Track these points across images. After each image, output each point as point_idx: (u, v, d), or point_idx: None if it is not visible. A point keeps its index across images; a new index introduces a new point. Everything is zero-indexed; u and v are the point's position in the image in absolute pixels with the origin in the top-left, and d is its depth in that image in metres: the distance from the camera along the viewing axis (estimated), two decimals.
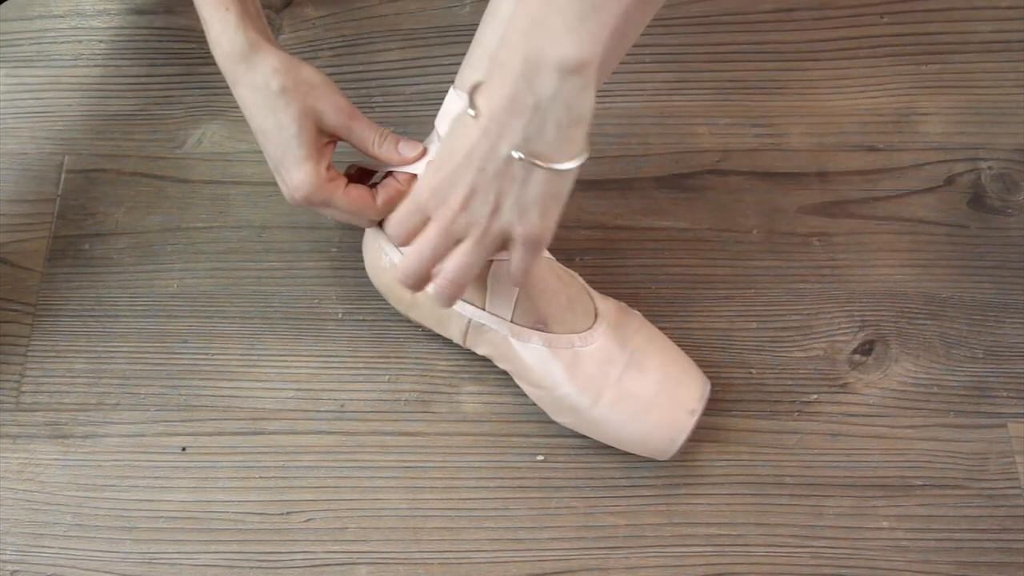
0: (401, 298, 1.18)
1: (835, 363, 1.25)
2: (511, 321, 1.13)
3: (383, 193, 1.09)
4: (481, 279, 1.11)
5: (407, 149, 1.08)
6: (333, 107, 1.05)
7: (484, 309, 1.13)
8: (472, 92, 0.89)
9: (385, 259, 1.16)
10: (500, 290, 1.11)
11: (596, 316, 1.14)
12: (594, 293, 1.17)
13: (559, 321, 1.12)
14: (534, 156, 0.87)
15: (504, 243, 0.95)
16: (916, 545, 1.17)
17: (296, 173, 1.04)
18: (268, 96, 1.02)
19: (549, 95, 0.83)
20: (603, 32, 0.82)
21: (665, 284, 1.30)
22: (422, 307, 1.17)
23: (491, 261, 1.10)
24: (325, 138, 1.07)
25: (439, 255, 0.98)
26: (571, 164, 0.89)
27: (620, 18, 0.82)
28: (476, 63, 1.04)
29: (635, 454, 1.17)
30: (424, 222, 0.97)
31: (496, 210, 0.92)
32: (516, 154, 0.87)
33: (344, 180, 1.08)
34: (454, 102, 1.04)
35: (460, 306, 1.14)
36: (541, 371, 1.13)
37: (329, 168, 1.07)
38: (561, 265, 1.17)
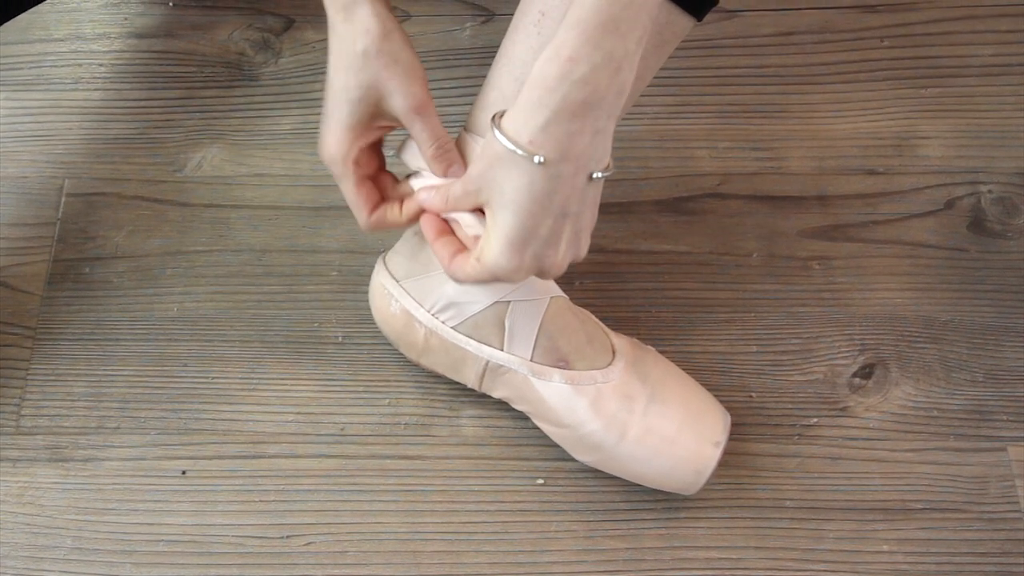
0: (413, 345, 1.18)
1: (835, 387, 1.25)
2: (531, 360, 1.12)
3: (406, 208, 1.05)
4: (498, 320, 1.11)
5: (457, 172, 1.03)
6: (405, 92, 0.99)
7: (502, 350, 1.13)
8: (524, 141, 0.87)
9: (395, 306, 1.16)
10: (520, 330, 1.11)
11: (614, 352, 1.14)
12: (607, 329, 1.16)
13: (580, 358, 1.12)
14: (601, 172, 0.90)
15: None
16: (916, 569, 1.17)
17: (330, 136, 1.01)
18: (349, 53, 0.98)
19: (611, 118, 0.86)
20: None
21: (665, 307, 1.30)
22: (434, 353, 1.17)
23: (509, 302, 1.10)
24: (383, 120, 1.02)
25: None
26: (608, 172, 0.92)
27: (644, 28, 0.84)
28: (491, 105, 1.04)
29: (659, 489, 1.16)
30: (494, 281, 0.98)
31: (575, 238, 0.95)
32: (597, 175, 0.89)
33: (365, 171, 1.05)
34: (481, 145, 0.96)
35: (477, 348, 1.13)
36: (564, 409, 1.12)
37: (371, 148, 1.04)
38: (574, 304, 1.17)
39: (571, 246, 0.94)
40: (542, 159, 0.86)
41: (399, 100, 0.99)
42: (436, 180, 1.03)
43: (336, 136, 1.01)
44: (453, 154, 1.02)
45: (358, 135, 1.01)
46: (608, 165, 0.91)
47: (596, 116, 0.85)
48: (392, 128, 1.04)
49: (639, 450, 1.11)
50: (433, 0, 1.49)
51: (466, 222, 1.00)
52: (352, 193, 1.04)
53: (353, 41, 0.97)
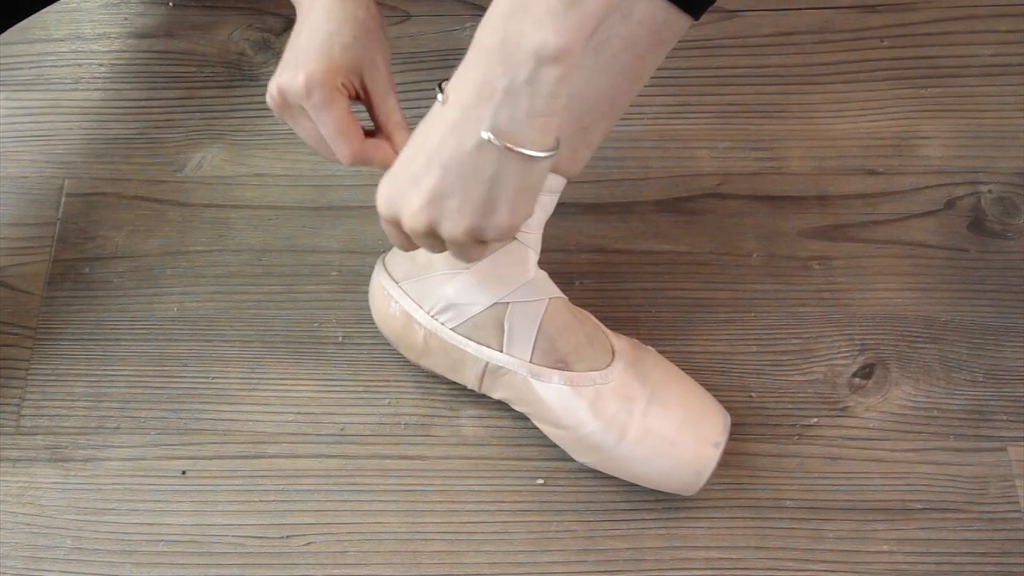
0: (412, 346, 1.18)
1: (835, 387, 1.25)
2: (530, 362, 1.13)
3: (381, 148, 1.03)
4: (498, 322, 1.12)
5: None
6: (387, 69, 1.03)
7: (501, 351, 1.13)
8: (442, 82, 0.86)
9: (394, 307, 1.16)
10: (519, 332, 1.11)
11: (613, 353, 1.14)
12: (607, 330, 1.17)
13: (579, 359, 1.12)
14: (505, 141, 0.83)
15: (477, 239, 0.90)
16: (916, 569, 1.17)
17: (314, 64, 0.97)
18: (348, 14, 0.99)
19: (523, 79, 0.80)
20: (587, 22, 0.78)
21: (665, 308, 1.30)
22: (434, 355, 1.17)
23: (508, 303, 1.10)
24: (352, 78, 1.01)
25: (412, 248, 0.96)
26: (542, 153, 0.84)
27: (605, 9, 0.78)
28: None
29: (659, 490, 1.16)
30: (398, 226, 0.93)
31: (467, 209, 0.87)
32: (486, 135, 0.82)
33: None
34: None
35: (476, 350, 1.13)
36: (564, 411, 1.12)
37: None
38: (574, 305, 1.17)
39: (430, 204, 0.87)
40: (442, 98, 0.85)
41: (383, 75, 1.01)
42: None
43: (321, 65, 0.98)
44: (407, 131, 1.02)
45: (339, 73, 0.99)
46: (526, 145, 0.83)
47: (497, 69, 0.80)
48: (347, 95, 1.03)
49: (639, 451, 1.11)
50: (433, 0, 1.49)
51: None
52: (342, 118, 0.99)
53: (354, 8, 0.99)
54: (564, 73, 0.80)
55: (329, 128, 0.99)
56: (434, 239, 0.91)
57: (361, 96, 1.03)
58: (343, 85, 0.99)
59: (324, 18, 0.99)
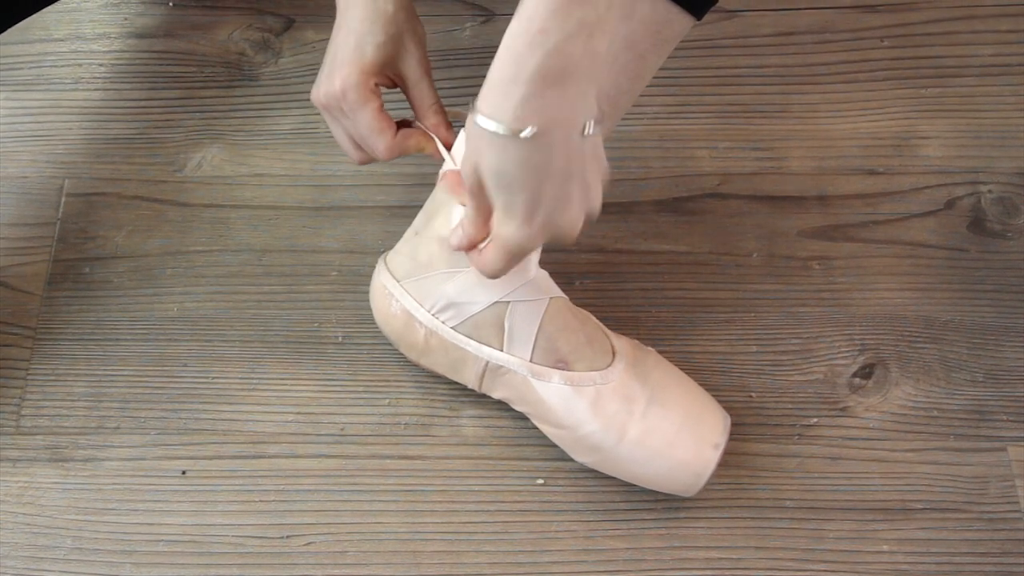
0: (413, 345, 1.18)
1: (835, 387, 1.25)
2: (531, 361, 1.12)
3: (413, 136, 1.11)
4: (498, 321, 1.12)
5: (448, 136, 1.10)
6: (421, 55, 1.09)
7: (502, 350, 1.13)
8: (508, 119, 0.85)
9: (395, 306, 1.16)
10: (519, 331, 1.11)
11: (614, 354, 1.14)
12: (608, 331, 1.16)
13: (579, 359, 1.12)
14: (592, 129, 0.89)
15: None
16: (916, 569, 1.17)
17: (348, 67, 1.06)
18: (377, 10, 1.05)
19: (586, 83, 0.85)
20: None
21: (665, 307, 1.30)
22: (434, 354, 1.17)
23: (508, 302, 1.10)
24: (389, 71, 1.09)
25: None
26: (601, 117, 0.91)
27: None
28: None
29: (658, 491, 1.16)
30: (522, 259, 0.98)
31: (584, 194, 0.93)
32: (589, 130, 0.88)
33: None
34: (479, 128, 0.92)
35: (476, 349, 1.13)
36: (564, 410, 1.12)
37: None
38: (574, 305, 1.17)
39: (582, 202, 0.92)
40: (530, 133, 0.84)
41: (415, 60, 1.08)
42: None
43: (355, 68, 1.05)
44: (444, 116, 1.11)
45: (372, 74, 1.06)
46: (599, 117, 0.89)
47: (574, 82, 0.83)
48: (384, 86, 1.10)
49: (638, 452, 1.11)
50: (433, 0, 1.49)
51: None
52: (375, 116, 1.07)
53: (385, 4, 1.05)
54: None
55: (363, 127, 1.08)
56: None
57: (398, 83, 1.10)
58: (378, 82, 1.08)
59: (359, 18, 1.05)
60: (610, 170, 0.96)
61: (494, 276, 0.99)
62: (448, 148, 1.09)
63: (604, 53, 0.84)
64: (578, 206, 0.92)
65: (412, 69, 1.08)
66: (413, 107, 1.12)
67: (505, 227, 0.92)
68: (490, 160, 0.87)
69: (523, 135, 0.84)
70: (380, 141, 1.08)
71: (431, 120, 1.11)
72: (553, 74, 0.82)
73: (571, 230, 0.93)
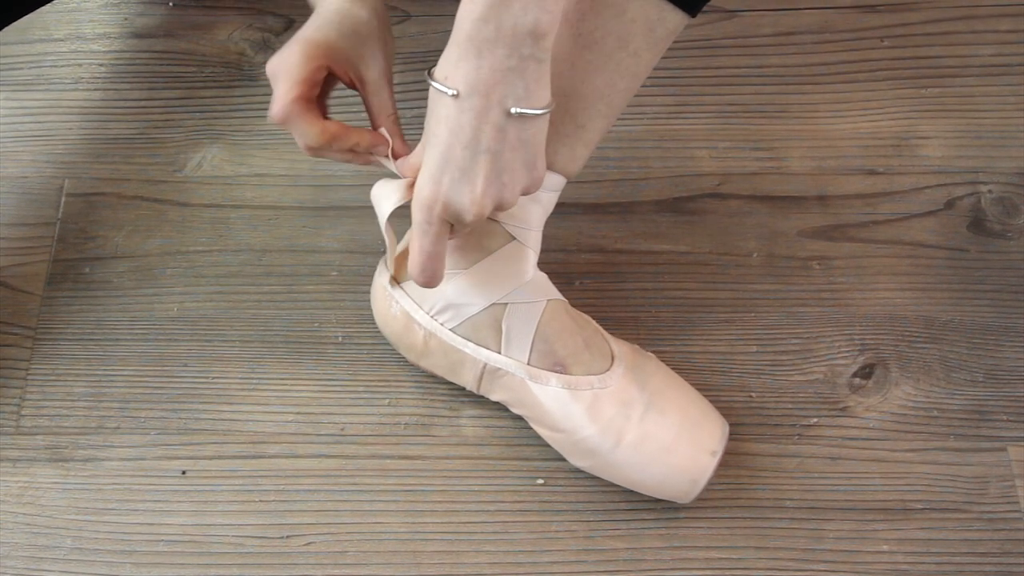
0: (412, 347, 1.18)
1: (835, 387, 1.25)
2: (528, 364, 1.13)
3: (355, 132, 1.07)
4: (496, 323, 1.12)
5: (400, 146, 1.07)
6: (384, 61, 1.07)
7: (499, 353, 1.13)
8: (430, 69, 0.91)
9: (395, 307, 1.16)
10: (516, 333, 1.11)
11: (613, 358, 1.14)
12: (608, 335, 1.16)
13: (577, 363, 1.12)
14: (526, 108, 0.90)
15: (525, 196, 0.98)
16: (916, 569, 1.17)
17: (292, 44, 1.03)
18: (352, 9, 1.04)
19: (526, 55, 0.87)
20: (562, 2, 0.86)
21: (665, 308, 1.30)
22: (433, 355, 1.17)
23: (506, 304, 1.10)
24: (342, 65, 1.06)
25: (443, 244, 0.99)
26: (549, 107, 0.92)
27: None
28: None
29: (655, 497, 1.16)
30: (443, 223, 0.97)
31: (518, 176, 0.94)
32: (515, 110, 0.89)
33: (309, 93, 1.05)
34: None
35: (475, 351, 1.13)
36: (561, 414, 1.12)
37: (317, 83, 1.05)
38: (574, 308, 1.17)
39: (491, 186, 0.93)
40: (455, 92, 0.88)
41: (378, 64, 1.06)
42: None
43: (294, 46, 1.02)
44: (398, 127, 1.08)
45: (324, 56, 1.03)
46: (543, 104, 0.91)
47: (501, 53, 0.86)
48: (336, 83, 1.09)
49: (635, 457, 1.11)
50: (433, 0, 1.49)
51: None
52: (297, 80, 1.02)
53: (360, 9, 1.04)
54: (552, 38, 0.87)
55: (279, 85, 1.03)
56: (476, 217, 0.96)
57: (357, 86, 1.07)
58: (332, 70, 1.05)
59: (332, 9, 1.05)
60: (539, 174, 0.96)
61: (420, 265, 1.00)
62: (395, 158, 1.08)
63: (545, 30, 0.86)
64: (483, 186, 0.92)
65: (374, 75, 1.06)
66: (370, 114, 1.09)
67: (421, 177, 0.95)
68: (429, 115, 0.92)
69: (449, 93, 0.89)
70: (280, 95, 1.03)
71: (388, 127, 1.09)
72: (479, 41, 0.86)
73: (470, 208, 0.93)
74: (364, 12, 1.04)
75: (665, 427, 1.11)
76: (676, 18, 1.01)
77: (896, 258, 1.32)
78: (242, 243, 1.33)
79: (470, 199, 0.93)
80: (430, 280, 1.00)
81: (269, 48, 1.46)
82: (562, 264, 1.29)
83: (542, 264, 1.14)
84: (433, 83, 0.90)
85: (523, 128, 0.91)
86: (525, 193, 0.97)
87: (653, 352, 1.20)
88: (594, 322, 1.17)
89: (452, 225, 0.97)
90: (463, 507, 1.19)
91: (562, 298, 1.15)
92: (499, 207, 0.95)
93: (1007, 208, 1.35)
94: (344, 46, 1.04)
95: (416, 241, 0.98)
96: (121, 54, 1.46)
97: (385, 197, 1.05)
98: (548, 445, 1.17)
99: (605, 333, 1.16)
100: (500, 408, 1.22)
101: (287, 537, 1.18)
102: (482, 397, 1.20)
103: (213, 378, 1.26)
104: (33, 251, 1.32)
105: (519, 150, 0.92)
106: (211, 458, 1.21)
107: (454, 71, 0.88)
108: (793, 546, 1.18)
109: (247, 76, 1.45)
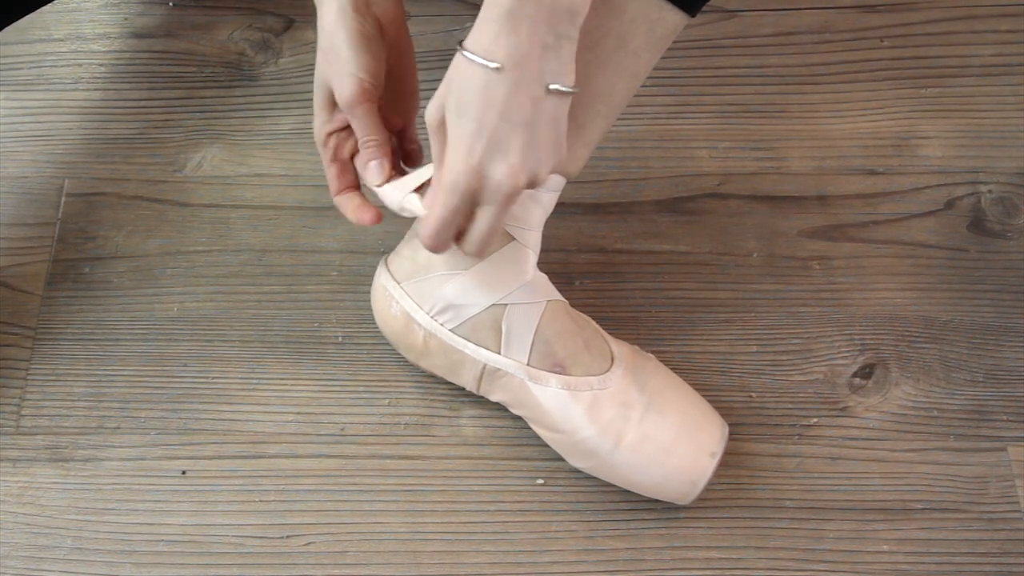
0: (412, 347, 1.18)
1: (835, 387, 1.25)
2: (528, 364, 1.13)
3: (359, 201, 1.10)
4: (495, 323, 1.12)
5: (375, 169, 1.06)
6: (341, 86, 1.03)
7: (499, 353, 1.13)
8: (461, 41, 0.91)
9: (395, 307, 1.16)
10: (516, 334, 1.12)
11: (612, 359, 1.14)
12: (608, 336, 1.16)
13: (577, 364, 1.12)
14: (560, 86, 0.91)
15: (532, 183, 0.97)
16: (916, 569, 1.17)
17: (315, 117, 1.08)
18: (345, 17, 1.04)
19: (562, 34, 0.88)
20: None
21: (665, 307, 1.30)
22: (433, 356, 1.17)
23: (506, 305, 1.10)
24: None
25: (459, 217, 0.98)
26: (576, 89, 0.92)
27: None
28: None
29: (654, 498, 1.16)
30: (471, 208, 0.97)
31: (549, 151, 0.94)
32: (554, 85, 0.90)
33: (341, 153, 1.09)
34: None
35: (474, 351, 1.13)
36: (561, 415, 1.12)
37: (346, 133, 1.08)
38: (574, 309, 1.17)
39: (526, 161, 0.92)
40: (497, 65, 0.88)
41: (337, 92, 1.03)
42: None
43: (315, 117, 1.07)
44: (376, 151, 1.06)
45: (324, 119, 1.07)
46: (572, 84, 0.91)
47: (543, 30, 0.87)
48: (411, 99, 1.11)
49: (634, 458, 1.11)
50: (433, 0, 1.49)
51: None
52: (325, 168, 1.09)
53: (340, 23, 1.04)
54: (584, 17, 0.89)
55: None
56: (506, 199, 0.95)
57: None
58: (333, 132, 1.08)
59: (320, 24, 1.06)
60: (564, 153, 0.96)
61: (435, 231, 0.98)
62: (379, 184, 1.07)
63: (581, 9, 0.88)
64: (517, 158, 0.92)
65: (343, 97, 1.03)
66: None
67: (450, 156, 0.93)
68: (458, 86, 0.91)
69: (490, 65, 0.88)
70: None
71: (360, 159, 1.08)
72: (520, 17, 0.86)
73: (504, 181, 0.92)
74: (342, 31, 1.03)
75: (664, 428, 1.11)
76: (676, 18, 1.01)
77: (896, 258, 1.32)
78: (242, 243, 1.33)
79: (507, 170, 0.92)
80: (437, 247, 1.00)
81: (269, 48, 1.46)
82: (562, 264, 1.29)
83: (542, 264, 1.14)
84: (472, 55, 0.89)
85: (557, 105, 0.91)
86: (554, 172, 1.00)
87: (653, 352, 1.20)
88: (594, 323, 1.17)
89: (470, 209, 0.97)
90: (463, 507, 1.19)
91: (562, 299, 1.15)
92: (532, 182, 0.94)
93: (1007, 208, 1.35)
94: (321, 62, 1.05)
95: (437, 208, 0.96)
96: (121, 54, 1.46)
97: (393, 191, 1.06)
98: (548, 445, 1.17)
99: (605, 334, 1.16)
100: (500, 408, 1.22)
101: (287, 537, 1.18)
102: (482, 397, 1.20)
103: (213, 378, 1.26)
104: (33, 251, 1.32)
105: (551, 127, 0.92)
106: (211, 458, 1.21)
107: (493, 45, 0.88)
108: (793, 546, 1.18)
109: (247, 76, 1.45)
